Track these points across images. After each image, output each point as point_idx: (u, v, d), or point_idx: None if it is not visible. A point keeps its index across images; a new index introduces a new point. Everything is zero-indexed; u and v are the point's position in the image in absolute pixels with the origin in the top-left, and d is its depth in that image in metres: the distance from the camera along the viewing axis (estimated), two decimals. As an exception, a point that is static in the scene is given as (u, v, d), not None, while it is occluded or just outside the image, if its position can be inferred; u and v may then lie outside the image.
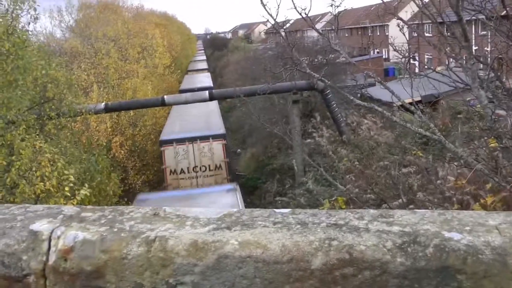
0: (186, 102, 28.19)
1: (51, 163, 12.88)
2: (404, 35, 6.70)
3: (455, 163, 8.05)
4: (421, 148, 15.33)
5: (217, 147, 24.77)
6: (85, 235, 1.93)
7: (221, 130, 26.13)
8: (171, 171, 24.72)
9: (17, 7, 14.72)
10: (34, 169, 12.52)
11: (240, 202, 18.81)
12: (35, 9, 15.24)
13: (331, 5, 6.24)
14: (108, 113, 26.43)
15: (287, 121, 27.03)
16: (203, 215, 2.03)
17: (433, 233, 1.70)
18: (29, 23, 15.93)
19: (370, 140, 16.96)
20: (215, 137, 25.11)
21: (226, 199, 19.57)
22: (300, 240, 1.74)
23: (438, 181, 9.06)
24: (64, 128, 18.50)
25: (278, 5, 5.80)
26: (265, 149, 31.74)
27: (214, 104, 32.86)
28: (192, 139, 25.04)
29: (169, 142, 25.26)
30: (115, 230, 1.94)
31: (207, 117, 30.86)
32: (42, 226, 2.02)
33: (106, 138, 26.92)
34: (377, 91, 15.92)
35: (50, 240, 1.95)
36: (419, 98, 10.93)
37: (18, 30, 14.81)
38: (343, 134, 21.24)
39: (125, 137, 29.98)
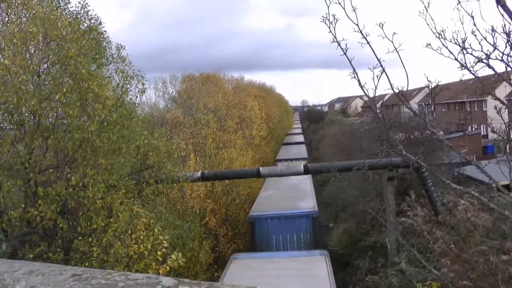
0: (281, 175, 28.45)
1: (146, 227, 13.32)
2: (501, 117, 6.54)
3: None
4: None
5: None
6: (184, 308, 2.01)
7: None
8: None
9: (127, 82, 15.66)
10: (129, 231, 13.00)
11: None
12: (143, 84, 16.17)
13: (427, 86, 6.22)
14: (204, 181, 27.06)
15: (381, 198, 26.58)
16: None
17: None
18: (136, 96, 16.86)
19: (467, 222, 16.29)
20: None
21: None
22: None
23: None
24: (161, 194, 19.10)
25: (376, 86, 5.87)
26: (358, 225, 31.20)
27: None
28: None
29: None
30: (211, 305, 2.02)
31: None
32: (142, 295, 2.12)
33: (200, 206, 27.44)
34: (475, 170, 15.44)
35: (149, 309, 2.05)
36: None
37: (126, 102, 15.71)
38: (438, 214, 20.60)
39: (219, 205, 30.44)
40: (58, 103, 13.35)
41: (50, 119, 13.93)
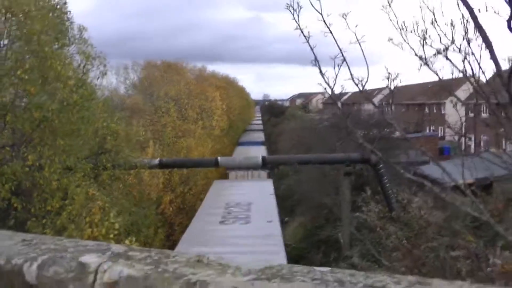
0: (239, 166, 28.48)
1: (102, 210, 13.18)
2: (458, 112, 6.70)
3: (508, 252, 7.81)
4: (472, 233, 14.91)
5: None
6: (130, 271, 2.01)
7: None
8: None
9: (88, 63, 15.43)
10: (84, 214, 12.84)
11: None
12: (104, 65, 15.97)
13: (387, 78, 6.32)
14: (161, 169, 26.89)
15: (337, 193, 26.87)
16: (245, 265, 2.08)
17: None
18: (97, 78, 16.64)
19: (420, 219, 16.58)
20: None
21: None
22: (336, 297, 1.78)
23: (488, 269, 8.79)
24: (117, 180, 18.91)
25: (336, 75, 5.92)
26: (313, 219, 31.45)
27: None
28: None
29: None
30: (159, 270, 2.02)
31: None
32: (90, 259, 2.11)
33: (157, 194, 27.28)
34: (430, 169, 15.73)
35: (96, 273, 2.04)
36: (472, 180, 10.76)
37: (86, 83, 15.48)
38: (392, 211, 20.92)
39: (176, 194, 30.34)
40: (18, 79, 13.02)
41: (9, 95, 13.60)
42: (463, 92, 8.52)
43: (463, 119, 7.10)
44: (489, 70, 5.76)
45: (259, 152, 49.83)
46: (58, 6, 15.37)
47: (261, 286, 1.86)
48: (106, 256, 2.16)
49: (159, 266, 2.05)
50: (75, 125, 14.07)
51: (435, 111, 64.95)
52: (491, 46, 5.14)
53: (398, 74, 6.36)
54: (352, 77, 6.12)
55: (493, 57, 5.12)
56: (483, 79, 5.87)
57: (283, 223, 35.00)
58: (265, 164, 27.33)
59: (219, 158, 27.79)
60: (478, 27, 5.24)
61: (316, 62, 6.06)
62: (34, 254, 2.21)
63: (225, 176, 34.83)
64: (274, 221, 21.18)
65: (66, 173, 13.57)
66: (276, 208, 24.21)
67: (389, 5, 6.32)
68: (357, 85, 6.21)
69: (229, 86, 73.71)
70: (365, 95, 6.79)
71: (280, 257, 17.12)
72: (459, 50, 5.71)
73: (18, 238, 2.47)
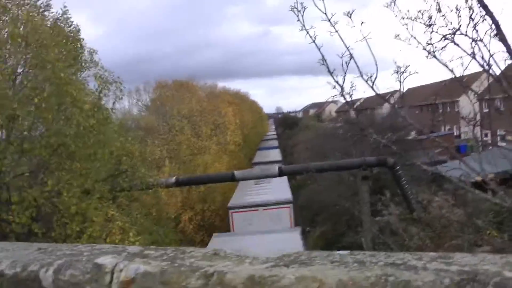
0: (257, 177, 28.42)
1: (121, 231, 13.21)
2: (473, 105, 6.63)
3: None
4: (496, 228, 14.73)
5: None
6: (146, 268, 1.99)
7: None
8: None
9: (105, 87, 15.56)
10: (104, 236, 12.88)
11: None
12: (121, 90, 16.07)
13: (397, 72, 6.26)
14: (178, 187, 26.90)
15: (356, 199, 26.69)
16: (262, 255, 2.05)
17: (494, 273, 1.66)
18: (113, 102, 16.75)
19: (442, 218, 16.41)
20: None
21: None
22: (356, 276, 1.73)
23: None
24: (135, 200, 18.96)
25: (345, 72, 5.90)
26: (334, 226, 31.24)
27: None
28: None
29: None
30: (176, 265, 2.00)
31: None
32: (106, 260, 2.10)
33: (175, 212, 27.31)
34: (447, 168, 15.55)
35: (113, 273, 2.03)
36: (492, 175, 10.63)
37: (102, 108, 15.60)
38: (413, 212, 20.75)
39: (195, 212, 30.34)
40: (35, 107, 13.13)
41: (26, 122, 13.72)
42: (477, 88, 8.45)
43: (477, 109, 7.01)
44: (499, 55, 5.70)
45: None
46: (72, 34, 15.56)
47: (279, 272, 1.82)
48: (122, 256, 2.14)
49: (175, 262, 2.03)
50: (92, 148, 14.17)
51: (449, 110, 64.53)
52: (499, 25, 5.08)
53: (407, 66, 6.30)
54: (361, 74, 6.09)
55: (501, 36, 5.06)
56: (493, 63, 5.80)
57: (304, 233, 34.84)
58: (281, 174, 27.24)
59: (235, 172, 27.71)
60: (483, 6, 5.19)
61: (324, 61, 6.03)
62: (49, 260, 2.20)
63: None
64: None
65: (84, 196, 13.63)
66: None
67: (393, 1, 6.30)
68: (366, 82, 6.18)
69: (241, 101, 73.83)
70: (375, 92, 6.74)
71: None
72: (466, 34, 5.65)
73: (33, 247, 2.47)
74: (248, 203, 26.11)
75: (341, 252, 2.03)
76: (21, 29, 13.44)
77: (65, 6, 15.45)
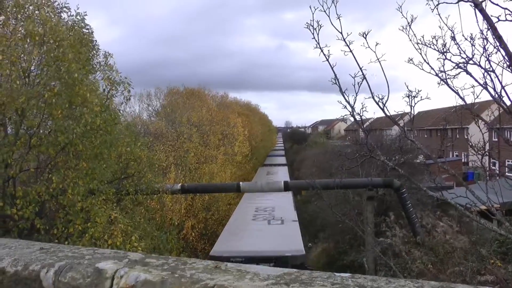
0: (261, 190, 28.35)
1: (124, 234, 13.19)
2: (482, 133, 6.60)
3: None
4: (500, 258, 14.62)
5: None
6: (147, 276, 1.98)
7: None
8: None
9: (113, 88, 15.62)
10: (106, 237, 12.87)
11: None
12: (129, 91, 16.08)
13: (408, 96, 6.25)
14: (184, 194, 26.90)
15: (360, 218, 26.60)
16: (263, 271, 2.04)
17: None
18: (122, 103, 16.77)
19: (446, 244, 16.31)
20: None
21: None
22: (357, 300, 1.72)
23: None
24: (139, 205, 18.96)
25: (356, 93, 5.90)
26: (337, 244, 31.18)
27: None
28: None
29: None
30: (176, 275, 1.99)
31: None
32: (107, 265, 2.09)
33: (179, 219, 27.28)
34: (453, 196, 15.42)
35: (113, 279, 2.02)
36: (497, 205, 10.55)
37: (110, 108, 15.64)
38: (417, 235, 20.63)
39: (198, 220, 30.30)
40: (45, 103, 13.17)
41: (36, 118, 13.77)
42: (487, 117, 8.43)
43: (487, 138, 6.99)
44: (511, 87, 5.70)
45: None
46: (85, 36, 15.63)
47: (280, 291, 1.81)
48: (123, 262, 2.14)
49: (176, 272, 2.02)
50: (98, 149, 14.20)
51: (458, 136, 64.35)
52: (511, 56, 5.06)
53: (419, 91, 6.29)
54: (372, 95, 6.09)
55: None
56: (504, 95, 5.78)
57: (306, 249, 34.72)
58: (287, 188, 27.17)
59: (241, 183, 27.68)
60: (498, 37, 5.18)
61: (336, 80, 6.04)
62: (51, 260, 2.20)
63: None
64: None
65: (89, 196, 13.66)
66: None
67: (409, 25, 6.30)
68: (377, 103, 6.17)
69: (251, 113, 73.93)
70: (386, 114, 6.73)
71: None
72: (479, 65, 5.65)
73: (36, 246, 2.47)
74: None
75: (342, 274, 2.02)
76: (38, 28, 13.52)
77: (79, 8, 15.55)
